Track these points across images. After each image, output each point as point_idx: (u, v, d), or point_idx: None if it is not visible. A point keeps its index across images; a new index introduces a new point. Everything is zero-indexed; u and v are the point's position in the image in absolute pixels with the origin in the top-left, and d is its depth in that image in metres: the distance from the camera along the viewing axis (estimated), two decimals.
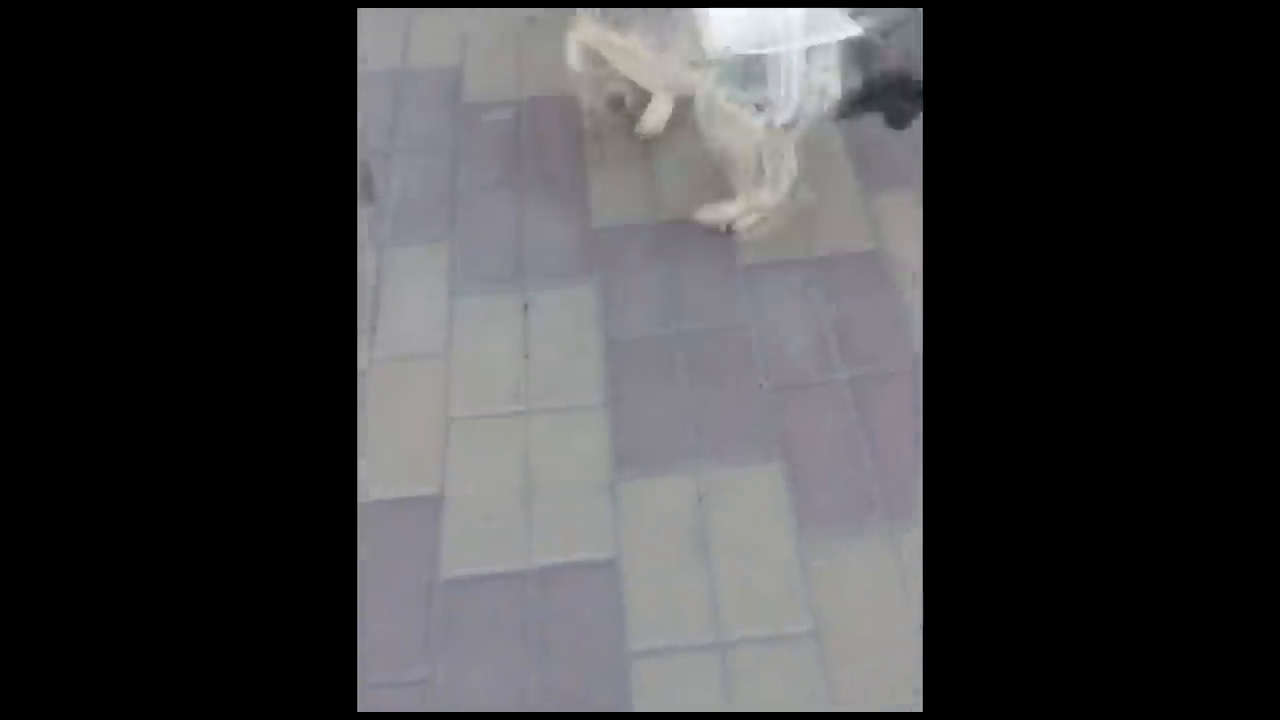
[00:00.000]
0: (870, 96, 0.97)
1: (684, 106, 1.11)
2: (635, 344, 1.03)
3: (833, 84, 0.95)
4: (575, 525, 0.88)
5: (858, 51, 0.94)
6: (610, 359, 1.01)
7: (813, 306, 1.04)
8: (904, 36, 0.94)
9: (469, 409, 0.98)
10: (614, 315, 1.05)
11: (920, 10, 0.84)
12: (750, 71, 0.95)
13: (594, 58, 1.11)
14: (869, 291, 1.04)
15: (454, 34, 1.38)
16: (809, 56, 0.93)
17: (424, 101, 1.30)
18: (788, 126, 0.97)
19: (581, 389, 0.99)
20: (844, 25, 0.93)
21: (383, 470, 0.93)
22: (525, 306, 1.06)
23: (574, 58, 1.12)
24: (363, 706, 0.73)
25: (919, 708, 0.74)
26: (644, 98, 1.18)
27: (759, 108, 0.95)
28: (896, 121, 1.02)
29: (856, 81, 0.95)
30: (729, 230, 1.08)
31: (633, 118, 1.20)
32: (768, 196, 1.04)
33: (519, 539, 0.88)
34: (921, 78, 0.93)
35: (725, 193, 1.08)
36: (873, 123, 1.19)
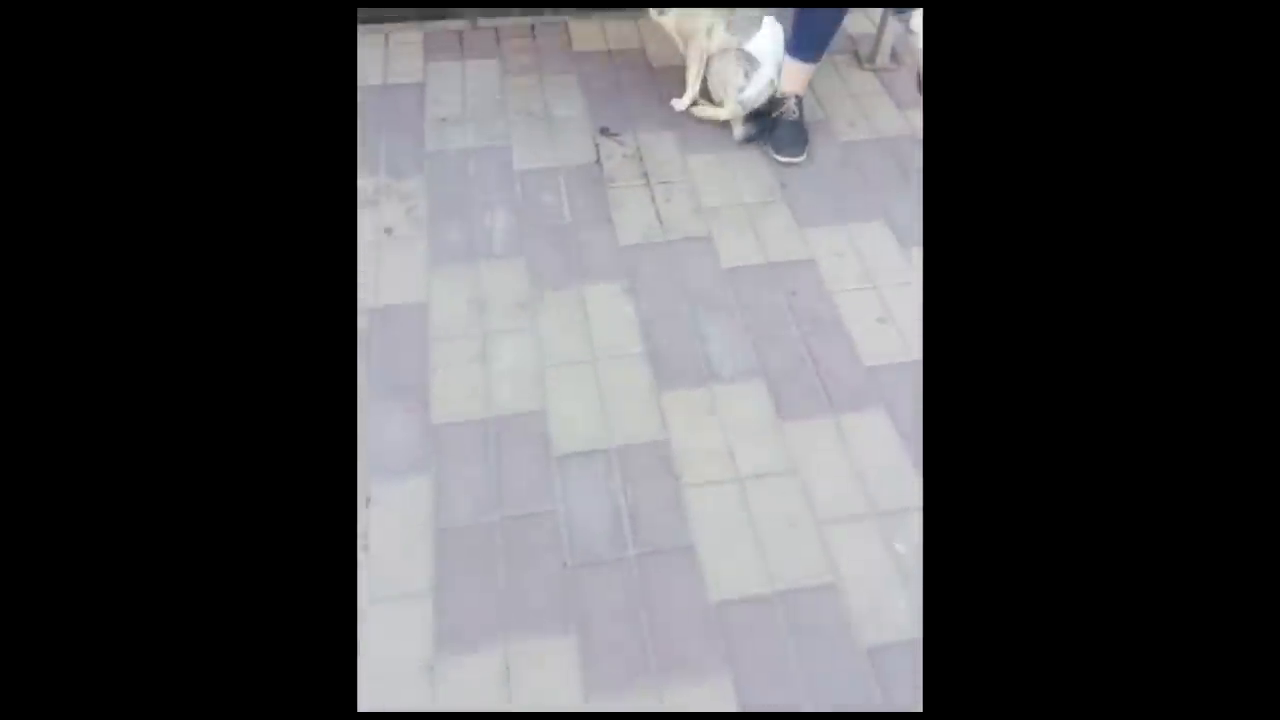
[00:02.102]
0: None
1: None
2: (462, 532, 1.22)
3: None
4: (396, 706, 1.04)
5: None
6: (439, 547, 1.20)
7: (610, 491, 1.27)
8: None
9: None
10: (445, 506, 1.24)
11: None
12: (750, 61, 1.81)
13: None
14: (654, 477, 1.29)
15: None
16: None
17: None
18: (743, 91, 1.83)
19: (413, 577, 1.16)
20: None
21: None
22: (368, 501, 1.24)
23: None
24: None
25: None
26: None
27: (745, 76, 1.81)
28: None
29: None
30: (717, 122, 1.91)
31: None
32: (728, 105, 1.87)
33: None
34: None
35: None
36: (665, 331, 1.48)
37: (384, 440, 1.32)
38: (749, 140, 1.85)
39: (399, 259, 1.59)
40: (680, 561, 1.19)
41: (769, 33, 1.80)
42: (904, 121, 1.94)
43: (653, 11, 1.83)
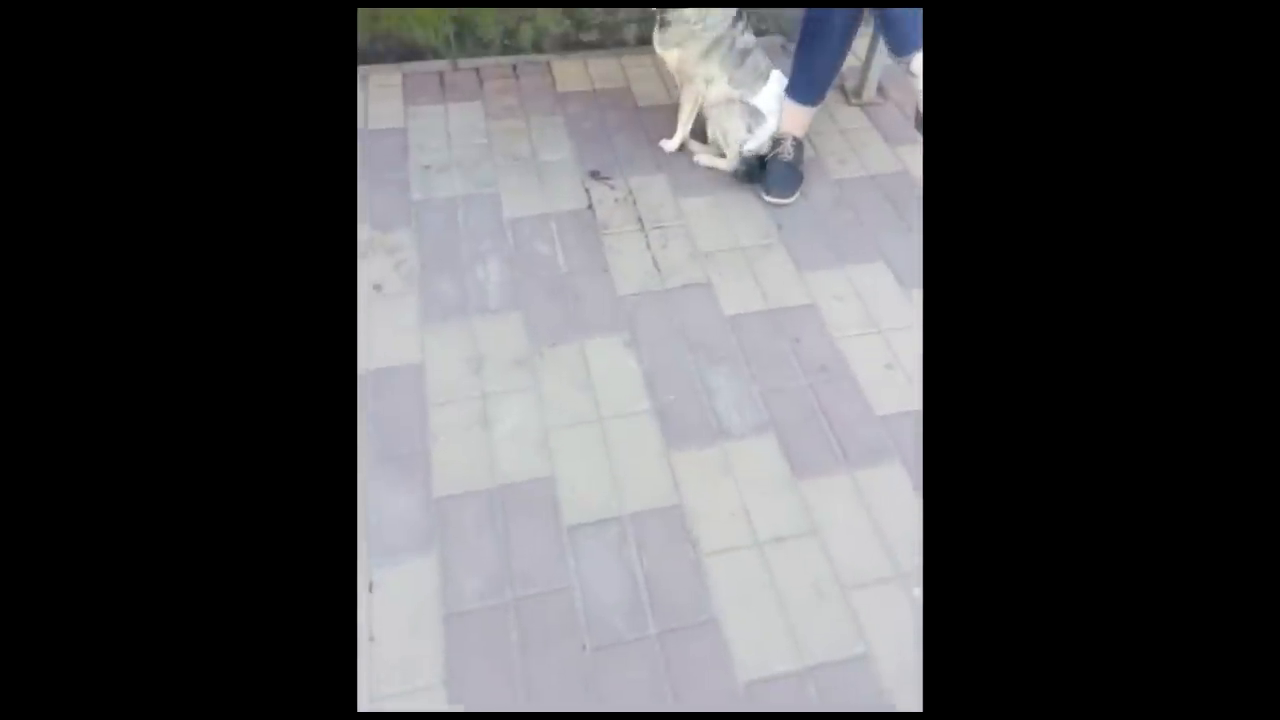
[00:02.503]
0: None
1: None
2: (473, 615, 1.15)
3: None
4: None
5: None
6: (449, 633, 1.13)
7: (626, 563, 1.22)
8: None
9: None
10: (453, 588, 1.18)
11: None
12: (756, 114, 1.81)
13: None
14: (670, 544, 1.23)
15: None
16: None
17: None
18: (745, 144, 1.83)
19: (422, 669, 1.09)
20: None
21: None
22: (370, 586, 1.17)
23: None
24: None
25: None
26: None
27: (749, 130, 1.81)
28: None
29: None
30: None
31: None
32: (729, 157, 1.86)
33: None
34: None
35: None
36: (670, 385, 1.43)
37: (384, 517, 1.25)
38: (736, 176, 1.82)
39: (390, 317, 1.52)
40: (704, 638, 1.14)
41: (775, 89, 1.78)
42: (894, 158, 1.94)
43: (657, 46, 1.79)
